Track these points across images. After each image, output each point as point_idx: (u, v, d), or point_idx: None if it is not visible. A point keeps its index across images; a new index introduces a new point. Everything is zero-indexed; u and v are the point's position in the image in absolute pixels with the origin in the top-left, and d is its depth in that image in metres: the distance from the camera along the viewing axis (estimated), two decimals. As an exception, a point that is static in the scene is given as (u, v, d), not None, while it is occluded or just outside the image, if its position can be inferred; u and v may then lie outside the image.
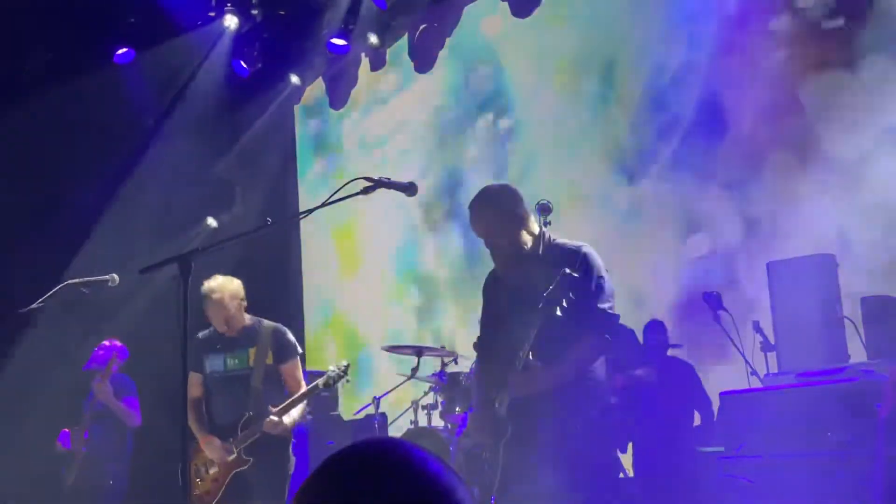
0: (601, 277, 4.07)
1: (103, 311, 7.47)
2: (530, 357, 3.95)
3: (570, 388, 3.99)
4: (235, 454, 5.18)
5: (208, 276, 5.24)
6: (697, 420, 6.84)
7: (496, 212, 4.13)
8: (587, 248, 4.13)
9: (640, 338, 6.95)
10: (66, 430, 6.94)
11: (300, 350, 5.44)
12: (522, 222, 4.13)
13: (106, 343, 7.04)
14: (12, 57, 8.21)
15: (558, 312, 3.82)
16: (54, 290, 4.57)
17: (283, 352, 5.36)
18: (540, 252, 4.11)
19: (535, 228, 4.19)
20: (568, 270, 3.83)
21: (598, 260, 4.11)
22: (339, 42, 9.24)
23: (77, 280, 4.71)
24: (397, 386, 7.45)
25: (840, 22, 6.77)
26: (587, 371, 4.07)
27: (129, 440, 6.98)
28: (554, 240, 4.18)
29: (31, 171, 8.16)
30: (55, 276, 4.97)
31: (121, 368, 6.92)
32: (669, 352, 6.97)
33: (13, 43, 8.19)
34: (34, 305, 4.56)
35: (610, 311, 4.06)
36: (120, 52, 8.88)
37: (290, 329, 5.48)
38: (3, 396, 7.48)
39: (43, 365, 7.41)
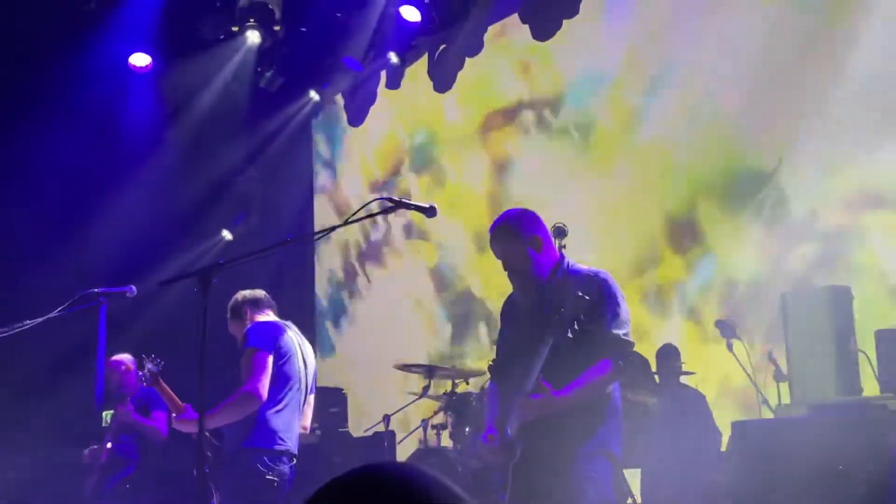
0: (616, 303, 4.06)
1: (121, 322, 7.51)
2: (541, 380, 3.95)
3: (582, 412, 3.99)
4: None
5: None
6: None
7: (514, 237, 4.15)
8: (604, 274, 4.14)
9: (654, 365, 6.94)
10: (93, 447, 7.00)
11: (254, 344, 4.89)
12: (540, 248, 4.14)
13: (116, 359, 7.08)
14: (32, 60, 8.26)
15: (569, 335, 3.82)
16: (73, 299, 4.60)
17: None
18: (557, 277, 4.13)
19: (554, 254, 4.20)
20: (581, 293, 3.84)
21: (615, 286, 4.11)
22: (354, 60, 9.30)
23: (96, 290, 4.74)
24: (408, 405, 7.46)
25: None
26: (599, 396, 4.08)
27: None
28: (572, 265, 4.20)
29: (45, 179, 8.20)
30: (72, 285, 4.98)
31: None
32: (682, 379, 6.96)
33: (34, 46, 8.25)
34: (52, 314, 4.59)
35: (624, 336, 4.06)
36: (135, 56, 8.86)
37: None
38: (17, 405, 7.51)
39: (57, 374, 7.44)
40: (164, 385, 5.40)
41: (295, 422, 5.00)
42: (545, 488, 3.96)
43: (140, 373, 5.47)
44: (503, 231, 4.19)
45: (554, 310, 3.86)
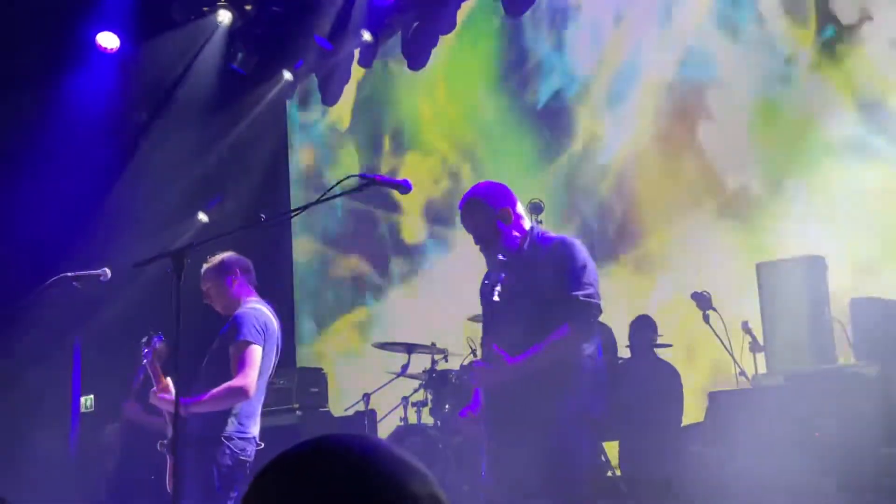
0: (579, 266, 4.03)
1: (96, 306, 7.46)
2: (493, 348, 3.96)
3: (556, 379, 3.94)
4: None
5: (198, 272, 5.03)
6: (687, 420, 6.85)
7: (484, 210, 4.15)
8: (569, 240, 4.14)
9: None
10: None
11: (249, 337, 4.74)
12: (510, 220, 4.14)
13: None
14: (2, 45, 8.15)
15: (530, 304, 3.84)
16: (47, 283, 4.57)
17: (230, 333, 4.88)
18: (525, 248, 4.13)
19: (526, 226, 4.20)
20: (543, 262, 3.86)
21: (580, 250, 4.07)
22: (324, 39, 9.23)
23: (69, 274, 4.69)
24: (387, 383, 7.46)
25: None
26: (565, 360, 3.99)
27: None
28: (541, 235, 4.20)
29: (19, 164, 8.11)
30: (46, 269, 4.94)
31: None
32: (657, 351, 6.98)
33: (4, 31, 8.13)
34: (26, 299, 4.56)
35: (586, 298, 3.99)
36: (103, 36, 8.67)
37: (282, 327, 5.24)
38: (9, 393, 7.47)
39: (37, 359, 7.39)
40: (155, 361, 5.17)
41: (259, 408, 4.91)
42: (522, 457, 3.93)
43: (145, 349, 5.22)
44: (472, 204, 4.18)
45: (523, 283, 3.88)
